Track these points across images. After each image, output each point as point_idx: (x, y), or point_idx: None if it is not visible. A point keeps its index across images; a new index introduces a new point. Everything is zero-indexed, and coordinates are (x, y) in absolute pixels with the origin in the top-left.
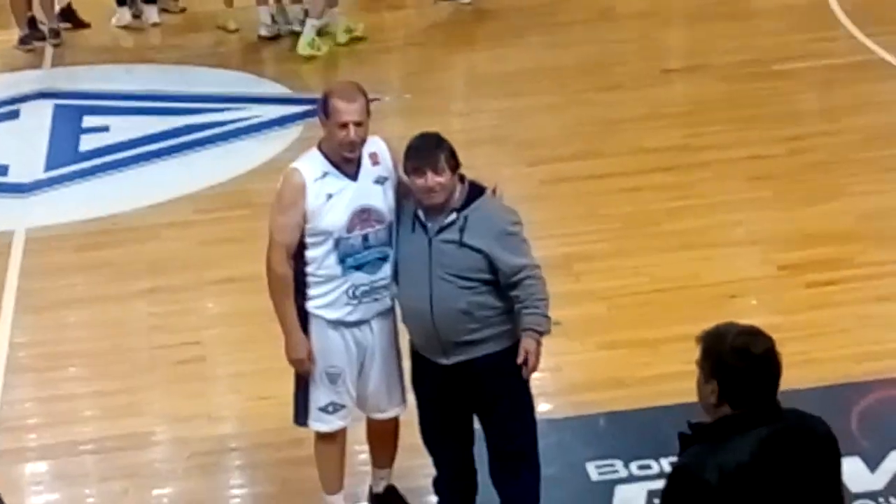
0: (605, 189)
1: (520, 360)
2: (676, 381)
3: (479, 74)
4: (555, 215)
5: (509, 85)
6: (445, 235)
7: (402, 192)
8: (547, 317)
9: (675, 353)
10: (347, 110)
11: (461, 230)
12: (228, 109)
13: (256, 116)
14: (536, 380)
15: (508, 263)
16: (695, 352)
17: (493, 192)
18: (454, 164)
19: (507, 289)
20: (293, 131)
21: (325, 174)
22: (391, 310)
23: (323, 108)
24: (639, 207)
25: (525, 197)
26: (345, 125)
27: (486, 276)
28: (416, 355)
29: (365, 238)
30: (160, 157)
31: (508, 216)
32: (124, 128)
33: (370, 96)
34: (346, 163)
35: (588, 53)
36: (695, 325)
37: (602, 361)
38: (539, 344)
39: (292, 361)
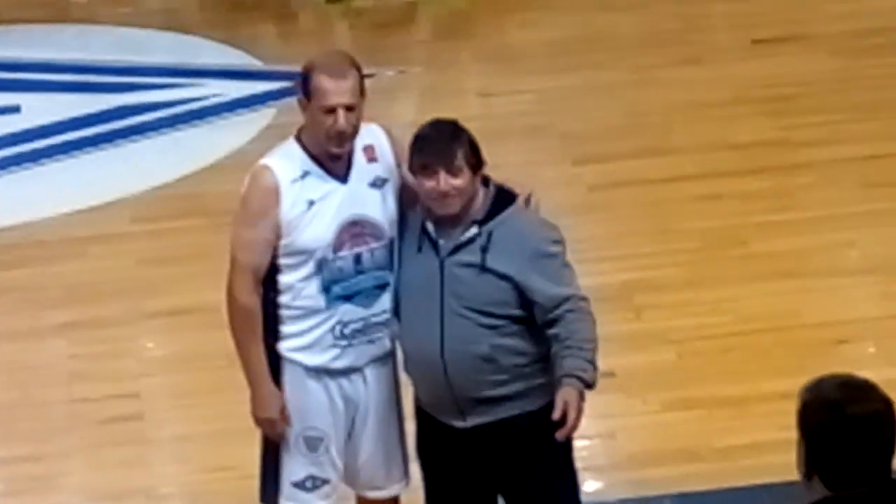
0: (676, 197)
1: (556, 415)
2: (769, 453)
3: (512, 43)
4: (609, 231)
5: (551, 58)
6: (463, 256)
7: (406, 199)
8: (594, 364)
9: (766, 416)
10: (335, 90)
11: (483, 250)
12: (179, 86)
13: (215, 95)
14: (583, 450)
15: (546, 294)
16: (793, 414)
17: (527, 200)
18: (475, 161)
19: (544, 327)
20: (263, 116)
21: (305, 174)
22: (390, 354)
23: (303, 86)
24: (720, 222)
25: (570, 207)
26: (332, 110)
27: (516, 312)
28: (422, 415)
29: (357, 259)
30: (87, 149)
31: (547, 233)
32: (41, 109)
33: (366, 71)
34: (334, 159)
35: (655, 18)
36: (792, 379)
37: (670, 426)
38: (582, 397)
39: (260, 422)
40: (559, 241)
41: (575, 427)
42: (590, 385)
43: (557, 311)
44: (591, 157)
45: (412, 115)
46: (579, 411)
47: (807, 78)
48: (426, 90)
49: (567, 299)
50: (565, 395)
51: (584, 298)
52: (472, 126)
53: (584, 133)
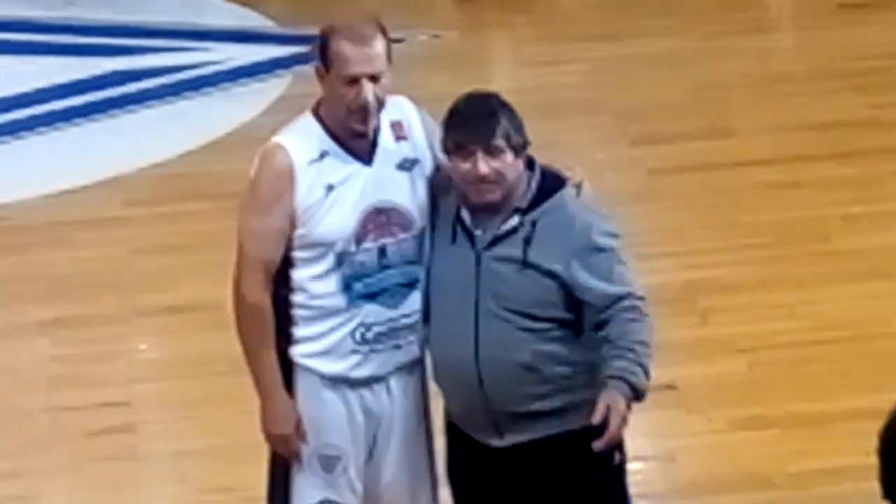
0: (749, 184)
1: (596, 419)
2: (851, 479)
3: (562, 4)
4: (671, 223)
5: (605, 22)
6: (502, 250)
7: (439, 184)
8: (646, 371)
9: (848, 437)
10: (357, 57)
11: (526, 242)
12: (179, 49)
13: (221, 61)
14: (637, 474)
15: (598, 293)
16: None
17: (579, 187)
18: (518, 141)
19: (594, 330)
20: (276, 85)
21: (323, 154)
22: (419, 362)
23: (321, 53)
24: (799, 213)
25: (627, 194)
26: (354, 80)
27: (562, 315)
28: (454, 431)
29: (382, 252)
30: (74, 121)
31: (600, 223)
32: (22, 74)
33: (394, 35)
34: (356, 138)
35: None
36: (878, 395)
37: (738, 447)
38: (628, 403)
39: (272, 438)
40: (614, 235)
41: (617, 437)
42: (639, 393)
43: (609, 311)
44: (651, 137)
45: (446, 87)
46: (624, 419)
47: None
48: (463, 58)
49: (622, 298)
50: (609, 397)
51: (641, 298)
52: (515, 100)
53: (644, 110)
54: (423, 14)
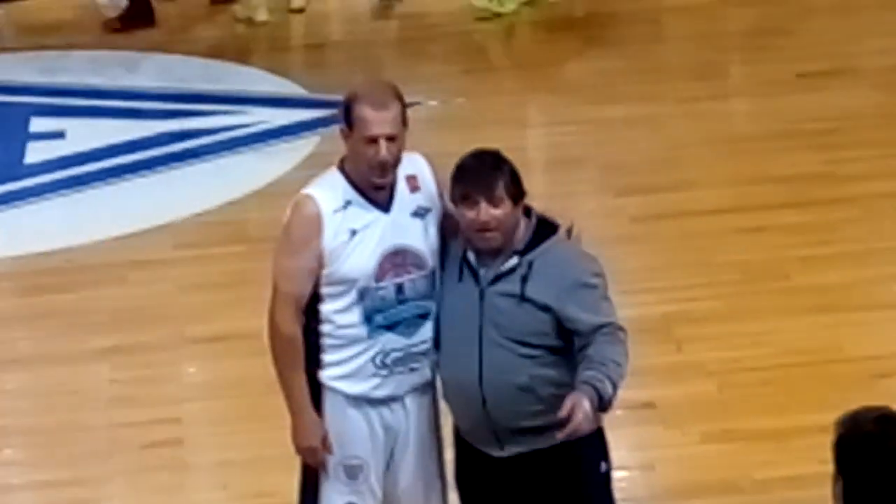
0: (718, 229)
1: (561, 413)
2: (809, 486)
3: (555, 75)
4: (650, 263)
5: (593, 89)
6: (502, 286)
7: (448, 229)
8: (613, 384)
9: (807, 449)
10: (377, 120)
11: (524, 280)
12: (222, 113)
13: (258, 123)
14: (621, 481)
15: (584, 323)
16: None
17: (569, 232)
18: (517, 192)
19: (580, 352)
20: (306, 144)
21: (347, 204)
22: (431, 384)
23: (345, 116)
24: (762, 255)
25: (612, 238)
26: (374, 140)
27: (554, 343)
28: (461, 443)
29: (399, 288)
30: (130, 175)
31: (588, 265)
32: (85, 135)
33: (408, 100)
34: (376, 189)
35: (699, 49)
36: (833, 413)
37: (709, 458)
38: (593, 405)
39: (301, 450)
40: (599, 274)
41: (578, 429)
42: (603, 399)
43: (592, 337)
44: (633, 188)
45: (454, 146)
46: (586, 416)
47: (851, 112)
48: (469, 120)
49: (603, 326)
50: (575, 397)
51: (621, 329)
52: (513, 156)
53: (627, 165)
54: (434, 82)
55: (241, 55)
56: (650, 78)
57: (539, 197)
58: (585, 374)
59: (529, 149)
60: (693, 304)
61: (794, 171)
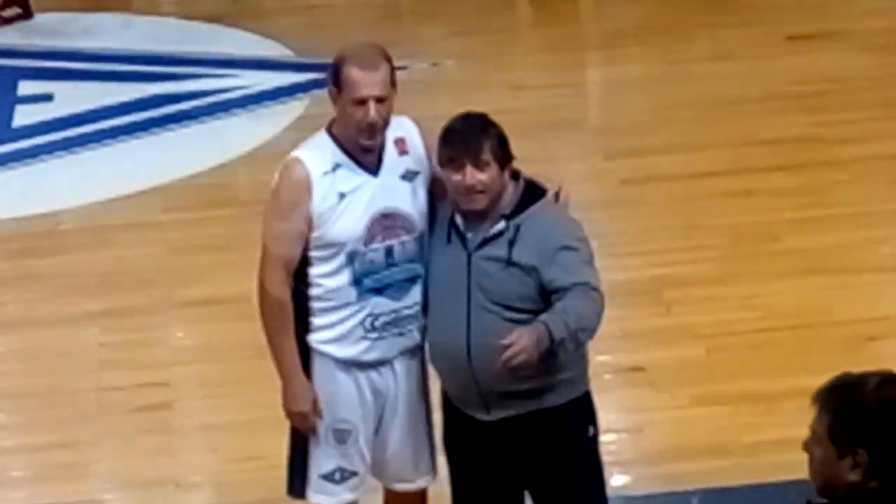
0: (708, 192)
1: (504, 341)
2: (797, 450)
3: (544, 38)
4: (640, 226)
5: (583, 52)
6: (489, 250)
7: (437, 192)
8: (569, 327)
9: (795, 412)
10: (366, 81)
11: (510, 244)
12: (211, 76)
13: (248, 86)
14: (610, 444)
15: (561, 281)
16: None
17: (557, 196)
18: (504, 155)
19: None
20: (296, 107)
21: (336, 167)
22: (420, 347)
23: (333, 78)
24: (751, 218)
25: (602, 201)
26: (362, 101)
27: (541, 307)
28: (449, 407)
29: (388, 252)
30: (119, 138)
31: (571, 229)
32: (73, 97)
33: (398, 63)
34: (365, 152)
35: (689, 11)
36: (822, 376)
37: (698, 421)
38: (540, 343)
39: (292, 415)
40: (582, 239)
41: (518, 363)
42: (554, 340)
43: (566, 293)
44: (622, 151)
45: (444, 109)
46: (529, 352)
47: (840, 74)
48: (458, 83)
49: (578, 284)
50: (523, 329)
51: (596, 289)
52: (503, 120)
53: (616, 127)
54: (424, 45)
55: (231, 18)
56: (639, 40)
57: (528, 160)
58: (543, 315)
59: (518, 111)
60: (682, 267)
61: (784, 133)
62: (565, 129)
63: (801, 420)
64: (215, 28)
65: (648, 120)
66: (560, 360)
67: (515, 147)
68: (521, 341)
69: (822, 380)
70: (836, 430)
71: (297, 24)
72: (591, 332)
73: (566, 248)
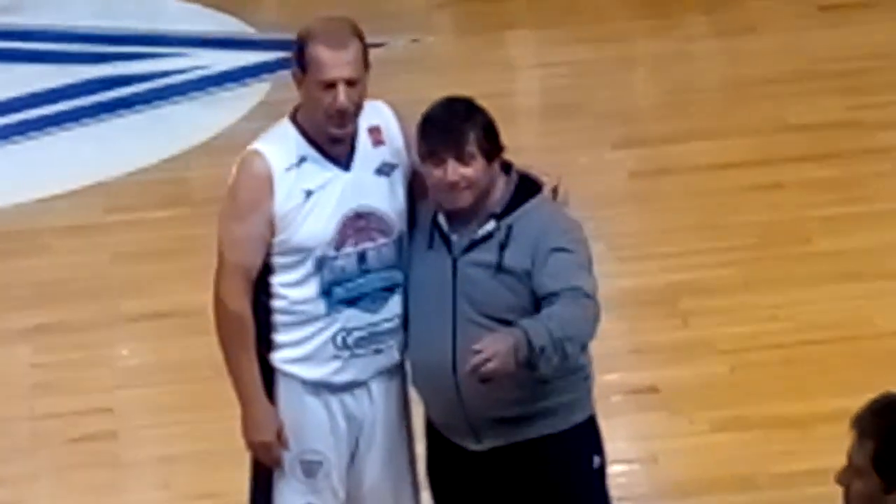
0: (729, 186)
1: (475, 346)
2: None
3: (541, 8)
4: (652, 225)
5: (585, 25)
6: (477, 255)
7: (417, 188)
8: (553, 340)
9: (832, 438)
10: (334, 62)
11: (501, 247)
12: (160, 56)
13: (201, 67)
14: (620, 476)
15: (546, 286)
16: None
17: (555, 192)
18: (492, 147)
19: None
20: (256, 91)
21: (301, 160)
22: (400, 366)
23: (297, 58)
24: (780, 215)
25: (608, 197)
26: (331, 84)
27: None
28: (434, 435)
29: (362, 257)
30: (54, 128)
31: (568, 228)
32: (3, 81)
33: (375, 39)
34: (334, 143)
35: None
36: (862, 396)
37: (720, 449)
38: (517, 350)
39: (253, 445)
40: (580, 241)
41: (488, 364)
42: (533, 350)
43: (555, 298)
44: (631, 140)
45: (426, 92)
46: (502, 357)
47: (881, 49)
48: (443, 62)
49: (569, 289)
50: (498, 333)
51: (589, 297)
52: (493, 104)
53: (624, 112)
54: (404, 19)
55: None
56: (651, 12)
57: (523, 151)
58: (523, 321)
59: (512, 95)
60: (701, 273)
61: (817, 118)
62: (566, 114)
63: (836, 447)
64: (163, 1)
65: (662, 104)
66: (551, 381)
67: (508, 136)
68: (494, 346)
69: (861, 401)
70: (882, 459)
71: None
72: (579, 342)
73: (560, 249)
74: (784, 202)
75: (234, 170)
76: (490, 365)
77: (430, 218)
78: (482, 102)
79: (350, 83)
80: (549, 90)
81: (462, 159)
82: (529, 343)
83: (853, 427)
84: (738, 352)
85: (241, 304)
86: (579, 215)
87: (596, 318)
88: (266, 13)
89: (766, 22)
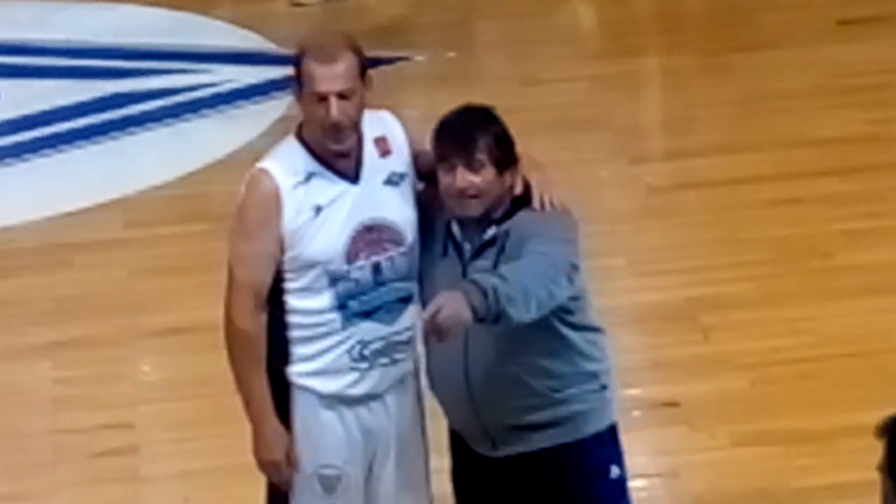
0: (749, 201)
1: (427, 312)
2: (857, 495)
3: (559, 25)
4: (672, 240)
5: (604, 40)
6: (481, 262)
7: (430, 197)
8: (502, 277)
9: (852, 453)
10: (324, 75)
11: (500, 252)
12: (179, 72)
13: (222, 83)
14: (641, 490)
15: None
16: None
17: (542, 203)
18: (503, 156)
19: None
20: (276, 106)
21: (309, 176)
22: (415, 377)
23: (295, 74)
24: (800, 230)
25: (628, 211)
26: (322, 98)
27: (552, 324)
28: (456, 443)
29: (376, 269)
30: (76, 143)
31: (557, 226)
32: (22, 97)
33: (393, 55)
34: (338, 157)
35: None
36: (882, 411)
37: (741, 463)
38: (467, 296)
39: (263, 465)
40: (568, 241)
41: (437, 321)
42: (484, 290)
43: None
44: (650, 154)
45: (447, 107)
46: (454, 317)
47: None
48: (463, 76)
49: (543, 253)
50: (449, 293)
51: (545, 253)
52: (514, 119)
53: (643, 127)
54: (424, 33)
55: (203, 5)
56: (670, 26)
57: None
58: (478, 275)
59: (531, 109)
60: (722, 287)
61: (836, 132)
62: (585, 129)
63: (859, 462)
64: (182, 16)
65: (680, 118)
66: (562, 389)
67: (528, 150)
68: (443, 297)
69: (881, 415)
70: (893, 463)
71: (278, 10)
72: (536, 279)
73: (541, 241)
74: (804, 216)
75: (242, 188)
76: (444, 312)
77: (444, 226)
78: (502, 117)
79: (342, 96)
80: (567, 105)
81: (471, 166)
82: (476, 284)
83: (879, 436)
84: (758, 366)
85: (250, 323)
86: (599, 230)
87: (557, 268)
88: (286, 29)
89: (784, 36)
